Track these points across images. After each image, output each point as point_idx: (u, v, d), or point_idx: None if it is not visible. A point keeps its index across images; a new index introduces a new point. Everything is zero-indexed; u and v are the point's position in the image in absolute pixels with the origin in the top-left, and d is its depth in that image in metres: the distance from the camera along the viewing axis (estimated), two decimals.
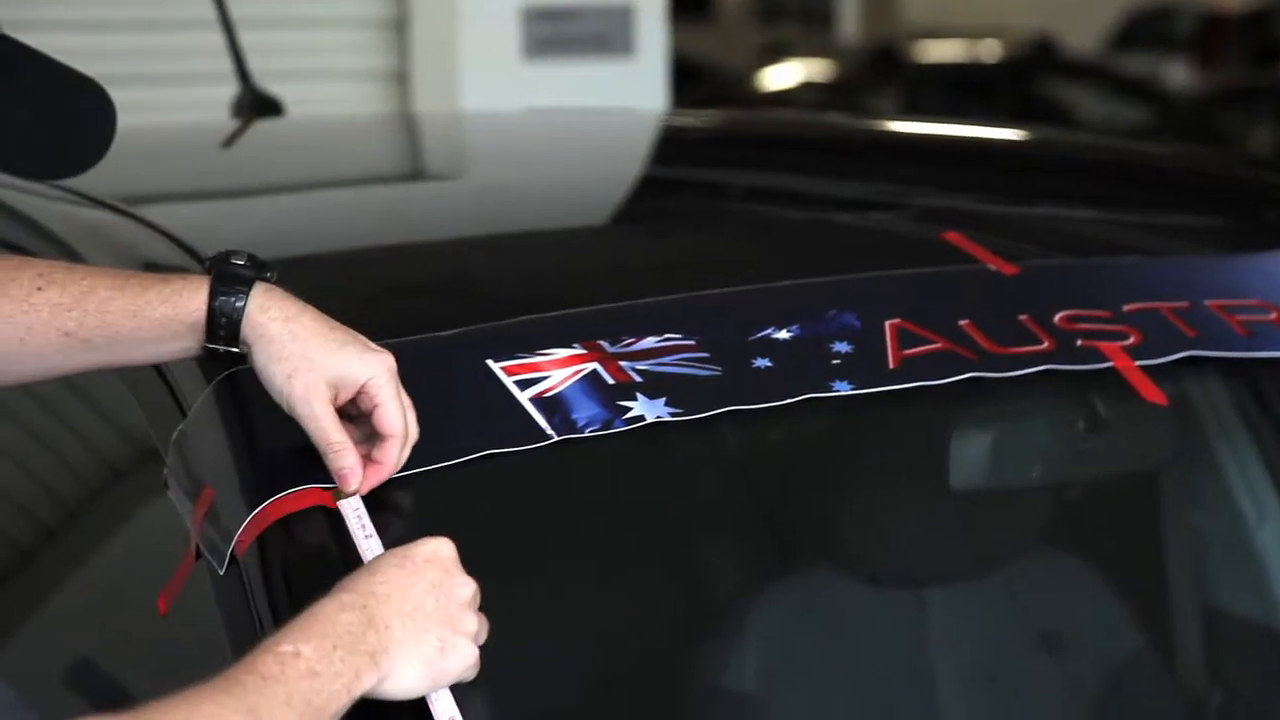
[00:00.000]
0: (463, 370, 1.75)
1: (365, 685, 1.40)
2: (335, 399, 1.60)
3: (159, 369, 1.78)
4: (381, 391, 1.60)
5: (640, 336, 1.83)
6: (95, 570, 2.06)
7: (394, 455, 1.62)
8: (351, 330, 1.62)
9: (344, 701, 1.37)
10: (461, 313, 1.85)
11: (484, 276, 2.05)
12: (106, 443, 2.10)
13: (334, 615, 1.40)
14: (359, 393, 1.61)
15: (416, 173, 2.83)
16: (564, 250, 2.18)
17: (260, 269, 1.62)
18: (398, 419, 1.61)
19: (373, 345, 1.62)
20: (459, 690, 1.48)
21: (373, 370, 1.60)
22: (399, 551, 1.49)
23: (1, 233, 2.15)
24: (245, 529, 1.60)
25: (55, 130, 1.59)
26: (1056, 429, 1.98)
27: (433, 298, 1.99)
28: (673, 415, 1.77)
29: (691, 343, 1.84)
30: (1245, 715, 2.10)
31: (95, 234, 2.11)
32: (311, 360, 1.58)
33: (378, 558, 1.51)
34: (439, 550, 1.50)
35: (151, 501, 1.83)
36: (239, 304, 1.58)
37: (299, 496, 1.61)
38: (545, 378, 1.76)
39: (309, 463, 1.62)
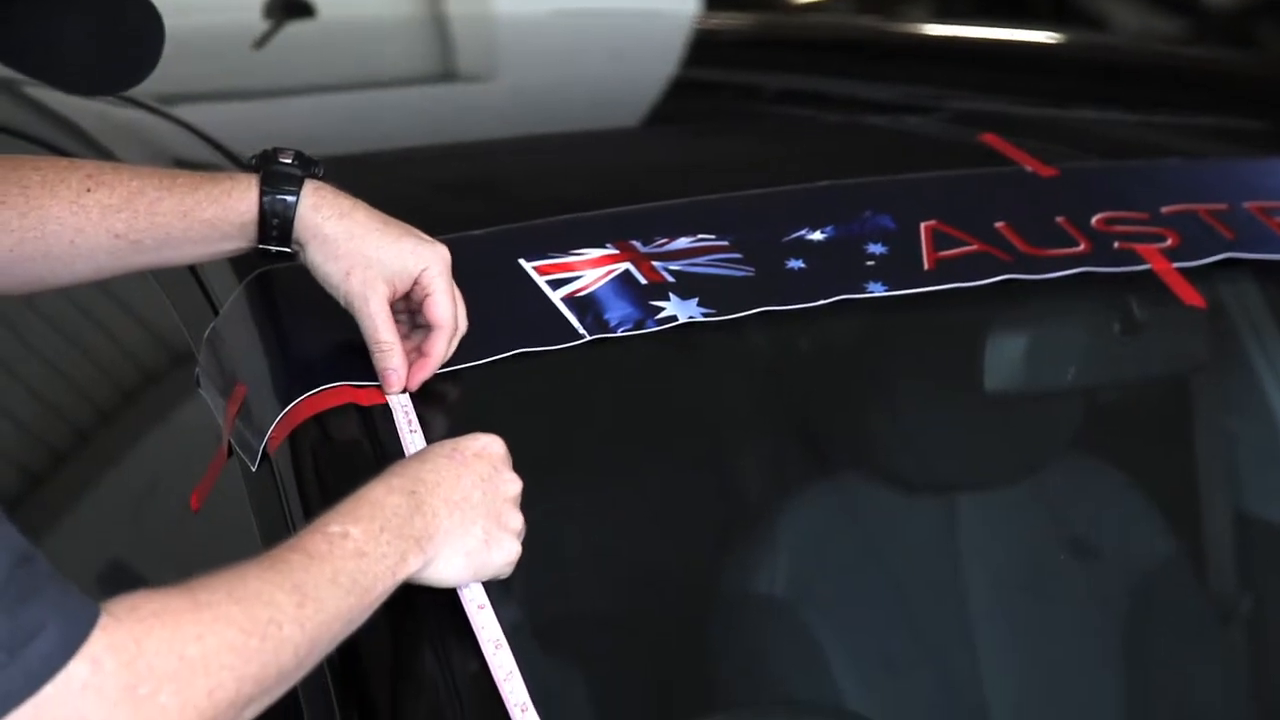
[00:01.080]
0: (495, 270, 1.75)
1: (410, 569, 1.39)
2: (392, 294, 1.60)
3: (192, 268, 1.78)
4: (435, 283, 1.60)
5: (673, 237, 1.83)
6: (128, 469, 2.07)
7: (441, 348, 1.62)
8: (404, 223, 1.62)
9: (389, 583, 1.37)
10: (494, 213, 1.85)
11: (516, 177, 2.04)
12: (139, 342, 2.10)
13: (383, 498, 1.39)
14: (413, 284, 1.60)
15: (448, 74, 2.82)
16: (596, 151, 2.17)
17: (308, 166, 1.61)
18: (448, 311, 1.61)
19: (426, 237, 1.62)
20: (490, 584, 1.48)
21: (428, 261, 1.60)
22: (449, 443, 1.49)
23: (38, 132, 2.15)
24: (277, 426, 1.60)
25: (106, 47, 1.57)
26: (1092, 332, 1.97)
27: (465, 198, 1.98)
28: (705, 316, 1.76)
29: (725, 243, 1.83)
30: (1276, 620, 2.10)
31: (131, 134, 2.10)
32: (369, 257, 1.58)
33: (428, 448, 1.51)
34: (489, 446, 1.50)
35: (184, 401, 1.83)
36: (291, 204, 1.58)
37: (331, 394, 1.61)
38: (578, 277, 1.76)
39: (342, 360, 1.62)
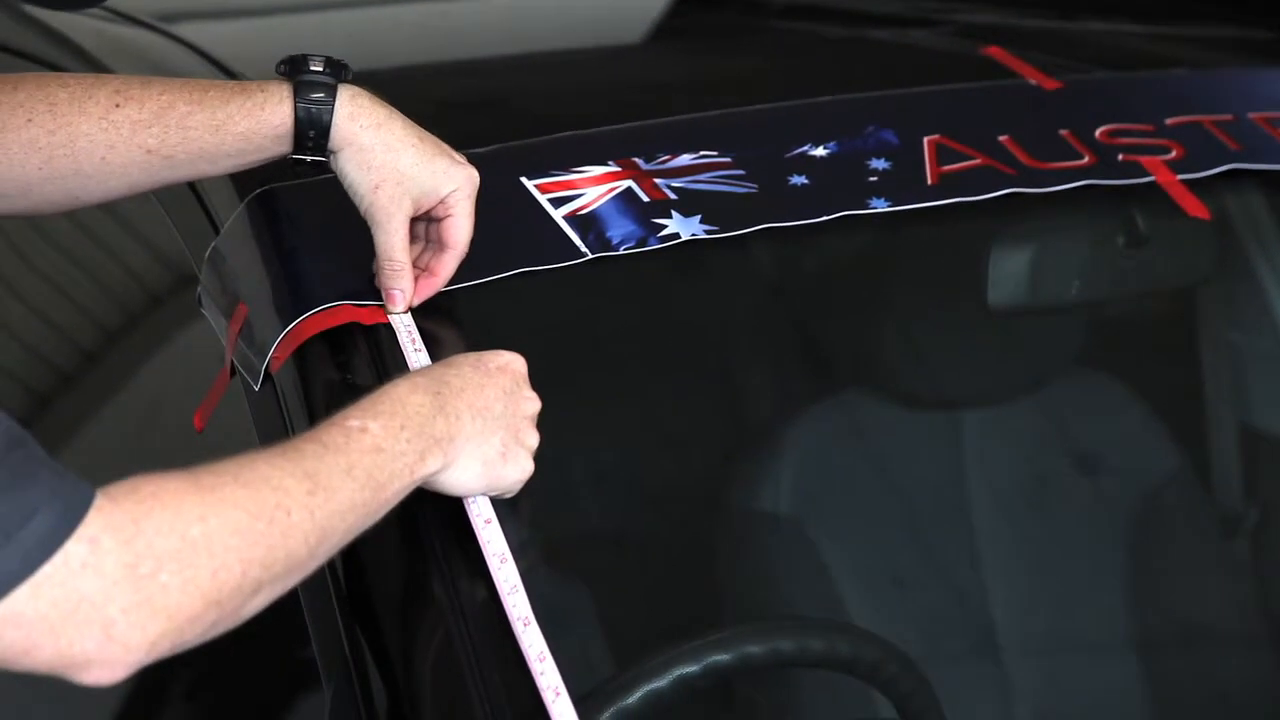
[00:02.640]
0: (496, 188, 1.74)
1: (429, 469, 1.37)
2: (415, 211, 1.58)
3: (192, 185, 1.77)
4: (459, 205, 1.58)
5: (675, 154, 1.82)
6: (131, 390, 2.07)
7: (450, 269, 1.61)
8: (438, 140, 1.60)
9: (406, 482, 1.34)
10: (495, 130, 1.84)
11: (517, 94, 2.03)
12: (142, 262, 2.10)
13: (405, 396, 1.37)
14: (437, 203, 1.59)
15: None
16: (598, 68, 2.16)
17: (339, 72, 1.58)
18: (466, 235, 1.59)
19: (458, 157, 1.60)
20: (495, 501, 1.48)
21: (458, 183, 1.58)
22: (473, 355, 1.47)
23: (37, 50, 2.14)
24: (279, 345, 1.60)
25: None
26: (1096, 245, 1.96)
27: (466, 115, 1.97)
28: (708, 233, 1.76)
29: (727, 160, 1.82)
30: None
31: (130, 52, 2.09)
32: (401, 173, 1.56)
33: (454, 357, 1.48)
34: (512, 363, 1.48)
35: (187, 320, 1.82)
36: (327, 111, 1.55)
37: (334, 313, 1.61)
38: (579, 195, 1.75)
39: (344, 279, 1.62)
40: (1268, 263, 2.09)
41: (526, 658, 1.37)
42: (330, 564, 1.51)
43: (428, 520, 1.47)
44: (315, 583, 1.53)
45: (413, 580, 1.49)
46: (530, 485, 1.50)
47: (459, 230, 1.59)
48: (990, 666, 2.06)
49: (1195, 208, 1.89)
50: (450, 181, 1.58)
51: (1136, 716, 2.05)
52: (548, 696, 1.34)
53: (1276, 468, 2.14)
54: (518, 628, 1.39)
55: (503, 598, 1.42)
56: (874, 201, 1.82)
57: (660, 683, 1.55)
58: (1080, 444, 2.15)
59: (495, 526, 1.45)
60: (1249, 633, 2.10)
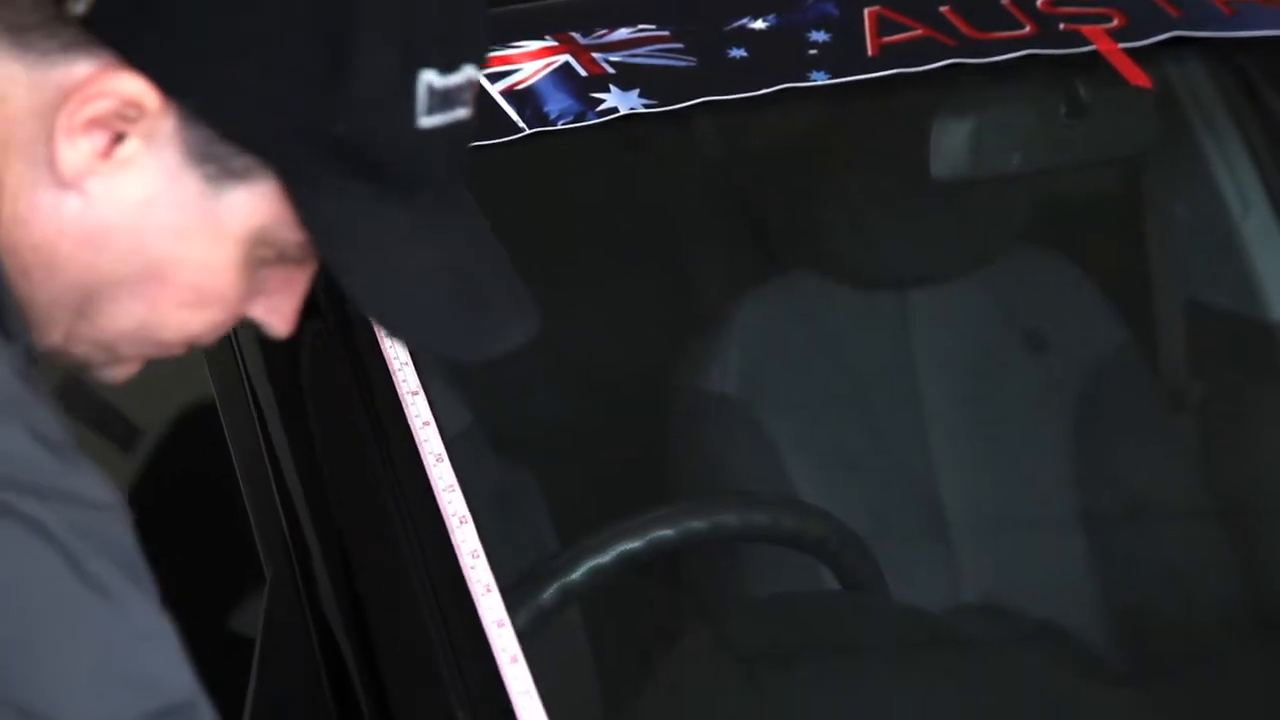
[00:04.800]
0: None
1: None
2: None
3: None
4: None
5: (613, 28, 1.80)
6: None
7: None
8: None
9: None
10: None
11: None
12: None
13: None
14: None
15: None
16: None
17: None
18: None
19: None
20: (433, 391, 1.47)
21: None
22: None
23: None
24: None
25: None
26: (1039, 116, 1.95)
27: None
28: (646, 107, 1.74)
29: (665, 33, 1.81)
30: (1226, 409, 2.11)
31: None
32: None
33: None
34: None
35: None
36: None
37: None
38: (516, 71, 1.74)
39: None
40: (1211, 132, 2.08)
41: (458, 554, 1.36)
42: (271, 452, 1.50)
43: (371, 424, 1.46)
44: (256, 470, 1.52)
45: (356, 475, 1.48)
46: (474, 368, 1.48)
47: None
48: (937, 543, 2.06)
49: (1137, 76, 1.87)
50: None
51: (1083, 592, 2.05)
52: (477, 591, 1.33)
53: (1222, 342, 2.13)
54: (453, 524, 1.37)
55: (438, 495, 1.40)
56: (814, 75, 1.81)
57: (604, 558, 1.55)
58: (1026, 321, 2.14)
59: (433, 428, 1.44)
60: (1195, 507, 2.10)
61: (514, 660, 1.26)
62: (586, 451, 1.94)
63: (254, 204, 1.01)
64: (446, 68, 1.01)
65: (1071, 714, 1.69)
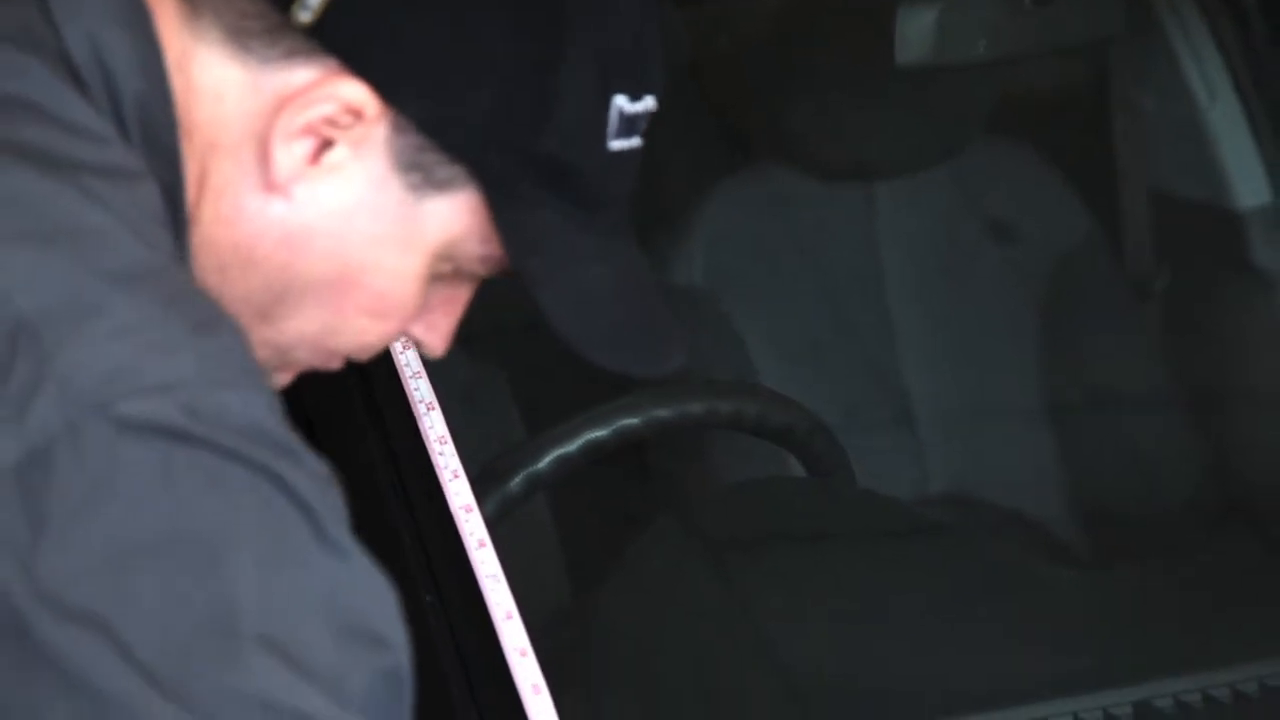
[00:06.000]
0: None
1: None
2: None
3: None
4: None
5: None
6: None
7: None
8: None
9: None
10: None
11: None
12: None
13: None
14: None
15: None
16: None
17: None
18: None
19: None
20: None
21: None
22: None
23: None
24: None
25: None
26: (1003, 2, 1.94)
27: None
28: None
29: None
30: (1191, 296, 2.11)
31: None
32: None
33: None
34: None
35: None
36: None
37: None
38: None
39: None
40: (1177, 21, 2.07)
41: (425, 439, 1.35)
42: None
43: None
44: None
45: (335, 395, 1.47)
46: None
47: None
48: (903, 433, 2.07)
49: None
50: None
51: (1049, 479, 2.07)
52: (445, 477, 1.33)
53: (1187, 231, 2.13)
54: (420, 410, 1.37)
55: (404, 381, 1.39)
56: None
57: (570, 448, 1.54)
58: (992, 212, 2.14)
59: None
60: (1160, 395, 2.11)
61: (482, 545, 1.26)
62: (553, 342, 1.94)
63: (452, 215, 1.04)
64: (635, 95, 1.03)
65: (1038, 598, 1.69)
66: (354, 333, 1.08)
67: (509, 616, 1.21)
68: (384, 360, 1.40)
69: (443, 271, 1.07)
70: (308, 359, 1.10)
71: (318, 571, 0.91)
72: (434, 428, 1.35)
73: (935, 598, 1.64)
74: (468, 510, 1.29)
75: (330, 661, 0.90)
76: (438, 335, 1.12)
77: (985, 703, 1.45)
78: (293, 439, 0.92)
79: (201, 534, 0.88)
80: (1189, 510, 2.02)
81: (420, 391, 1.38)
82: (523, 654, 1.18)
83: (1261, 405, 2.06)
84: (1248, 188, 2.06)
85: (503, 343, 1.89)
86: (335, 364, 1.12)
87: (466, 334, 1.80)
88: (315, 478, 0.92)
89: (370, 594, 0.92)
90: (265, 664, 0.87)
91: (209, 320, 0.94)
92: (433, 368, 1.42)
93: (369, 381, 1.41)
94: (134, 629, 0.87)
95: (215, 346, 0.93)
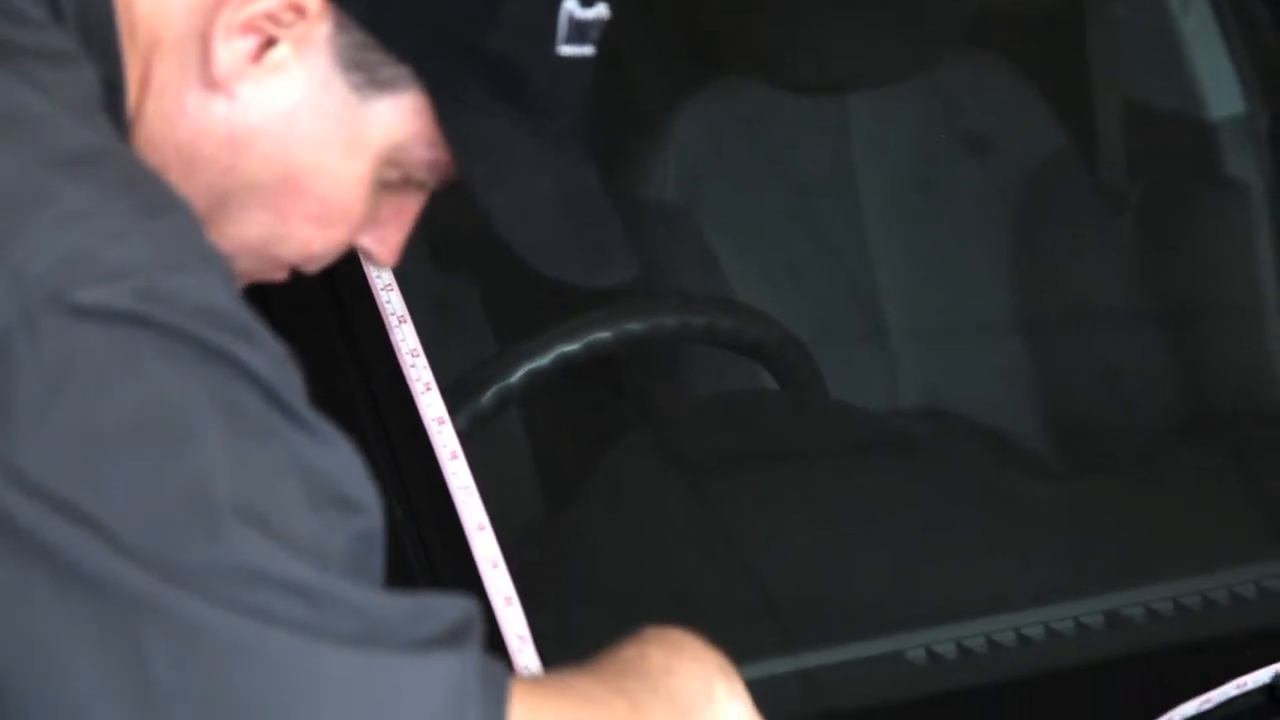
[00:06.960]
0: None
1: (721, 691, 1.12)
2: None
3: None
4: None
5: None
6: None
7: None
8: None
9: (705, 701, 1.11)
10: None
11: None
12: None
13: (648, 637, 1.13)
14: None
15: None
16: None
17: None
18: None
19: None
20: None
21: None
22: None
23: None
24: None
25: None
26: None
27: None
28: None
29: None
30: (1166, 208, 2.11)
31: None
32: None
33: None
34: None
35: None
36: None
37: None
38: None
39: None
40: None
41: (397, 352, 1.34)
42: None
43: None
44: None
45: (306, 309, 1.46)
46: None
47: None
48: (877, 347, 2.07)
49: None
50: None
51: (1023, 393, 2.07)
52: (417, 389, 1.33)
53: (1161, 142, 2.13)
54: (391, 322, 1.36)
55: (375, 293, 1.38)
56: None
57: (541, 361, 1.54)
58: (967, 124, 2.14)
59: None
60: (1134, 308, 2.11)
61: (454, 456, 1.26)
62: (522, 261, 1.93)
63: (396, 117, 1.02)
64: (586, 1, 1.02)
65: (1010, 510, 1.70)
66: (299, 241, 1.07)
67: (481, 528, 1.21)
68: (355, 274, 1.40)
69: (390, 179, 1.06)
70: (251, 268, 1.09)
71: (284, 442, 0.91)
72: (406, 340, 1.35)
73: (907, 510, 1.64)
74: (440, 423, 1.29)
75: (308, 528, 0.90)
76: (387, 248, 1.11)
77: (958, 613, 1.46)
78: (250, 319, 0.91)
79: (167, 414, 0.88)
80: (1161, 422, 2.02)
81: (392, 304, 1.38)
82: (494, 566, 1.19)
83: (1233, 317, 2.06)
84: (1220, 98, 2.06)
85: (475, 255, 1.89)
86: (280, 275, 1.11)
87: (434, 243, 1.80)
88: (273, 357, 0.91)
89: (338, 459, 0.92)
90: (245, 534, 0.87)
91: (160, 202, 0.93)
92: (405, 280, 1.42)
93: (340, 295, 1.41)
94: (116, 515, 0.86)
95: (169, 228, 0.92)
